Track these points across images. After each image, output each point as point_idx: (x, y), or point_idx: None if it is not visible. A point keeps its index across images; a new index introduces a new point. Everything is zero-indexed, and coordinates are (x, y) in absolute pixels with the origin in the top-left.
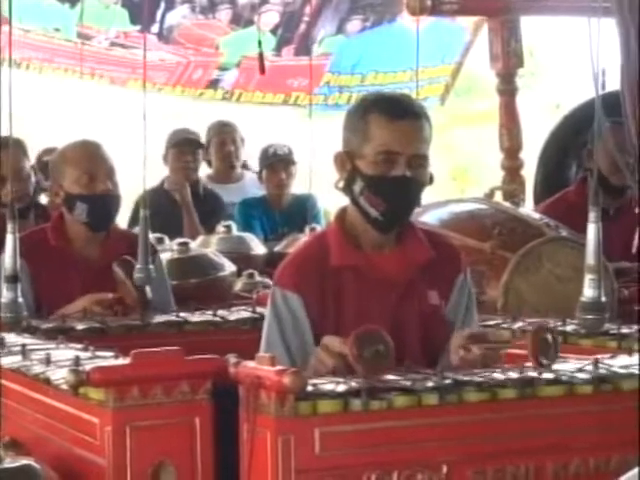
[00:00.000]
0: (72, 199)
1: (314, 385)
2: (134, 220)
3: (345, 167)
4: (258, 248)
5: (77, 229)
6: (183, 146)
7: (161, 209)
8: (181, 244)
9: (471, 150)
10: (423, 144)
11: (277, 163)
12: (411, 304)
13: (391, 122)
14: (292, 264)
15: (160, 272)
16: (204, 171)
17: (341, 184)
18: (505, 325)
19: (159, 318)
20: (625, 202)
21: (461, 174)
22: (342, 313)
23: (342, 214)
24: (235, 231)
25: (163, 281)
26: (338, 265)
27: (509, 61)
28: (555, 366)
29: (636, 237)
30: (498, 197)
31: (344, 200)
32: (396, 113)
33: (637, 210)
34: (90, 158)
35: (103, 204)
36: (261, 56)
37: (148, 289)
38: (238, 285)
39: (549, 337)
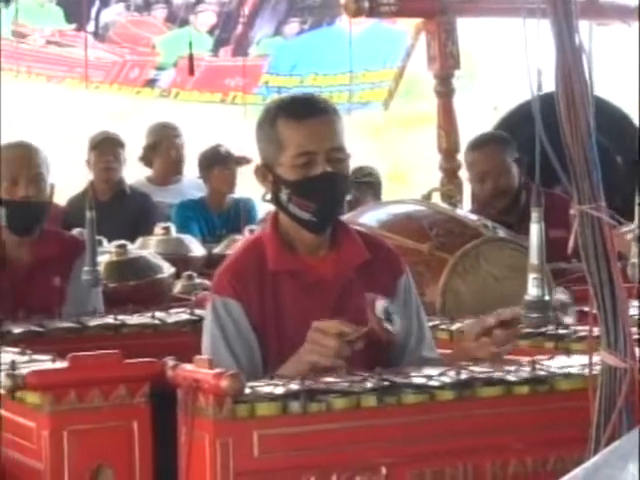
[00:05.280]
0: None
1: (252, 388)
2: (67, 222)
3: (267, 179)
4: (197, 250)
5: (5, 231)
6: (103, 146)
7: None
8: (119, 246)
9: (409, 152)
10: (336, 137)
11: (232, 162)
12: (348, 306)
13: (300, 123)
14: (229, 270)
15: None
16: (144, 172)
17: (268, 196)
18: (444, 326)
19: (97, 321)
20: (523, 213)
21: (400, 176)
22: (282, 317)
23: (275, 218)
24: (174, 233)
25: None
26: (275, 270)
27: (446, 63)
28: (493, 367)
29: (571, 239)
30: (436, 199)
31: None
32: (302, 113)
33: (571, 211)
34: (14, 162)
35: (22, 211)
36: (191, 57)
37: None
38: (177, 287)
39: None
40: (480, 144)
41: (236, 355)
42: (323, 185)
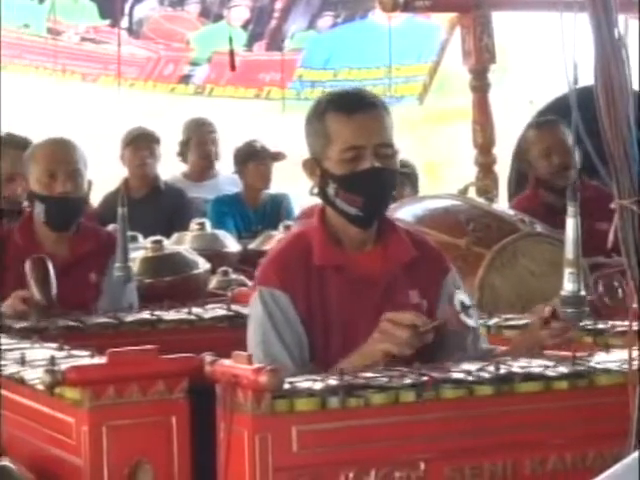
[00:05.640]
0: (33, 197)
1: (291, 383)
2: (99, 217)
3: (315, 173)
4: (232, 245)
5: (43, 227)
6: (139, 142)
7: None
8: (155, 242)
9: (443, 147)
10: (385, 132)
11: (267, 157)
12: (393, 302)
13: (348, 117)
14: (275, 262)
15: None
16: (179, 168)
17: (315, 190)
18: (481, 321)
19: (133, 316)
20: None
21: (434, 171)
22: (328, 312)
23: (322, 212)
24: (209, 228)
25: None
26: (321, 264)
27: (482, 57)
28: (532, 362)
29: (611, 233)
30: (472, 193)
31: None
32: (351, 107)
33: (612, 205)
34: (53, 158)
35: (60, 206)
36: (232, 53)
37: (54, 291)
38: (212, 283)
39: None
40: (543, 122)
41: (287, 345)
42: (370, 180)
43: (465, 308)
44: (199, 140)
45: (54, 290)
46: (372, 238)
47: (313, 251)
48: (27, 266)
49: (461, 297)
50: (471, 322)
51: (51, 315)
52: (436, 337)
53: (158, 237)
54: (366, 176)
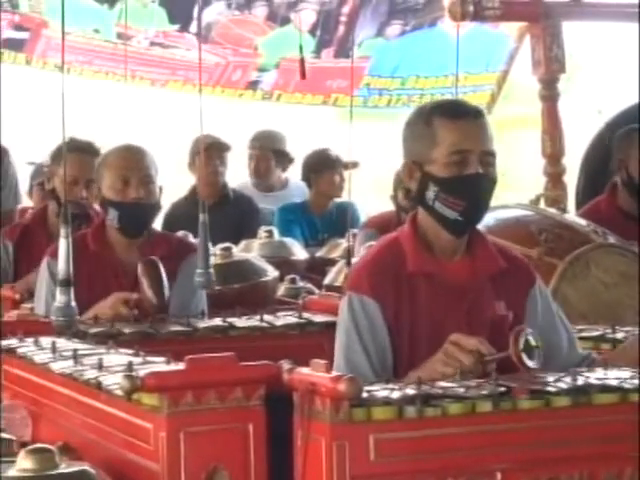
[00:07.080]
0: (106, 204)
1: (369, 392)
2: (168, 224)
3: (414, 176)
4: (299, 253)
5: (115, 233)
6: (210, 150)
7: (191, 217)
8: (224, 249)
9: (508, 155)
10: (490, 141)
11: (341, 166)
12: (480, 313)
13: (456, 122)
14: (367, 268)
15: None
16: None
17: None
18: None
19: (206, 323)
20: None
21: (500, 179)
22: (416, 320)
23: (414, 219)
24: (277, 236)
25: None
26: (413, 271)
27: (551, 67)
28: (608, 373)
29: None
30: (541, 204)
31: (384, 199)
32: (459, 113)
33: None
34: (126, 164)
35: (133, 212)
36: (302, 61)
37: (167, 293)
38: (280, 290)
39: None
40: None
41: (369, 354)
42: (475, 185)
43: (529, 348)
44: (248, 154)
45: (167, 292)
46: (462, 247)
47: (405, 258)
48: (139, 268)
49: (529, 336)
50: (531, 363)
51: (163, 316)
52: None
53: (227, 244)
54: (471, 181)
